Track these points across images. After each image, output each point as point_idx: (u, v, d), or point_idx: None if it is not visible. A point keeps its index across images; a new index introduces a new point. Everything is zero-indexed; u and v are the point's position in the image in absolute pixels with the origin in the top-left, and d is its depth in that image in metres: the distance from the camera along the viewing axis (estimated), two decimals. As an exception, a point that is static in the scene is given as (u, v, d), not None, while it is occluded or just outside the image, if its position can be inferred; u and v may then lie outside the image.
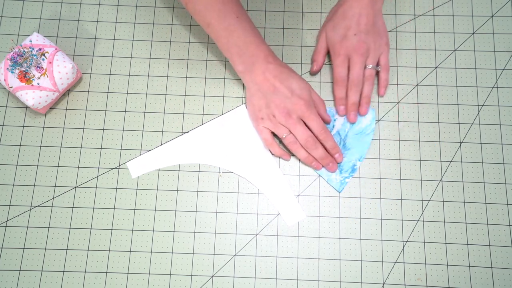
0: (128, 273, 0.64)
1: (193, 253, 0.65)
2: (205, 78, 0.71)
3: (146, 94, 0.70)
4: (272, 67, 0.63)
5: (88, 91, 0.70)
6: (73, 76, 0.67)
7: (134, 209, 0.66)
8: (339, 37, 0.66)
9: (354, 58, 0.66)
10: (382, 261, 0.64)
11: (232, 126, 0.69)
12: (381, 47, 0.67)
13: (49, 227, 0.65)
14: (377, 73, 0.69)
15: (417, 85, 0.71)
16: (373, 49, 0.66)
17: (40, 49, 0.66)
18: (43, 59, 0.65)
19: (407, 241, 0.65)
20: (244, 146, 0.68)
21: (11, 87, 0.65)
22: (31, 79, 0.65)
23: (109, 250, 0.65)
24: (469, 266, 0.64)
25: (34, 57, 0.65)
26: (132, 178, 0.67)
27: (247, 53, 0.63)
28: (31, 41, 0.66)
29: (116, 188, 0.67)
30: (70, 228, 0.65)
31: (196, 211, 0.66)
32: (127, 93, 0.70)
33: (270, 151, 0.67)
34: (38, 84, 0.65)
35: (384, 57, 0.68)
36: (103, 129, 0.69)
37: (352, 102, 0.67)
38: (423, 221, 0.66)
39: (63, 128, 0.69)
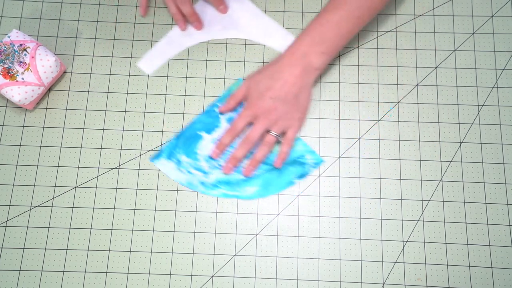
0: (128, 273, 0.64)
1: (193, 253, 0.65)
2: (205, 78, 0.71)
3: (146, 94, 0.70)
4: None
5: (88, 91, 0.70)
6: (57, 69, 0.67)
7: (134, 209, 0.66)
8: (257, 93, 0.64)
9: (260, 119, 0.63)
10: (382, 261, 0.64)
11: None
12: (293, 120, 0.65)
13: (49, 227, 0.65)
14: (280, 142, 0.66)
15: (417, 85, 0.71)
16: (282, 119, 0.64)
17: (21, 44, 0.66)
18: (25, 54, 0.65)
19: (407, 241, 0.65)
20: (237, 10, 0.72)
21: (-3, 85, 0.65)
22: (15, 75, 0.64)
23: (109, 250, 0.65)
24: (469, 266, 0.64)
25: (16, 53, 0.65)
26: (148, 74, 0.70)
27: None
28: (9, 37, 0.66)
29: (116, 188, 0.67)
30: (70, 228, 0.65)
31: (196, 211, 0.66)
32: (127, 93, 0.70)
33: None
34: (23, 79, 0.65)
35: (292, 131, 0.65)
36: (103, 129, 0.69)
37: (236, 156, 0.65)
38: (423, 221, 0.66)
39: (63, 128, 0.69)
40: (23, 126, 0.69)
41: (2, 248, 0.65)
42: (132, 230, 0.65)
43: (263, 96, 0.64)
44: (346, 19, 0.63)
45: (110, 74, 0.71)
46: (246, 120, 0.65)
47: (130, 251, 0.65)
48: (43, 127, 0.69)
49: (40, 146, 0.68)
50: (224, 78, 0.71)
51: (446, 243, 0.65)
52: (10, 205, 0.66)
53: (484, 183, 0.67)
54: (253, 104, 0.64)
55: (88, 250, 0.65)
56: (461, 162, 0.68)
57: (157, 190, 0.67)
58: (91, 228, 0.65)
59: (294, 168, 0.67)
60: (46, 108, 0.70)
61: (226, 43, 0.72)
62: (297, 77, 0.63)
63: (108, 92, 0.70)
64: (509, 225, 0.65)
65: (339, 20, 0.63)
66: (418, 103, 0.70)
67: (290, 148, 0.66)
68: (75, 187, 0.67)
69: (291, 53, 0.64)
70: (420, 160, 0.68)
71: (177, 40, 0.72)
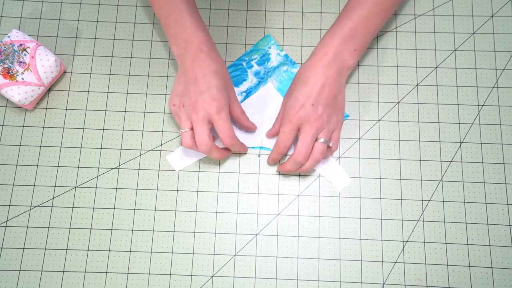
0: (128, 273, 0.64)
1: (193, 253, 0.65)
2: (205, 78, 0.71)
3: (146, 94, 0.70)
4: (202, 57, 0.59)
5: (88, 91, 0.70)
6: (57, 69, 0.67)
7: (134, 209, 0.66)
8: (296, 103, 0.61)
9: (307, 129, 0.60)
10: (382, 261, 0.64)
11: (261, 104, 0.70)
12: (337, 123, 0.63)
13: (49, 227, 0.65)
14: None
15: (417, 85, 0.71)
16: (328, 123, 0.61)
17: (21, 44, 0.66)
18: (25, 54, 0.65)
19: (407, 241, 0.65)
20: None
21: (-3, 85, 0.65)
22: (15, 75, 0.64)
23: (109, 250, 0.65)
24: (469, 266, 0.64)
25: (16, 53, 0.65)
26: (176, 171, 0.67)
27: (182, 37, 0.60)
28: (9, 37, 0.66)
29: (116, 188, 0.67)
30: (70, 228, 0.65)
31: (196, 211, 0.66)
32: (127, 93, 0.70)
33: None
34: (23, 79, 0.65)
35: (337, 133, 0.63)
36: (103, 129, 0.69)
37: (288, 170, 0.64)
38: (423, 221, 0.66)
39: (63, 128, 0.69)
40: (23, 126, 0.69)
41: (2, 248, 0.65)
42: (132, 230, 0.65)
43: (304, 105, 0.60)
44: (375, 13, 0.61)
45: (110, 74, 0.71)
46: (292, 134, 0.62)
47: (130, 251, 0.65)
48: (43, 127, 0.69)
49: (40, 146, 0.68)
50: (224, 78, 0.71)
51: (446, 243, 0.65)
52: (10, 205, 0.66)
53: (484, 183, 0.67)
54: (295, 115, 0.61)
55: (88, 250, 0.65)
56: (461, 162, 0.68)
57: (157, 190, 0.67)
58: (91, 228, 0.65)
59: None
60: (46, 108, 0.70)
61: (226, 43, 0.72)
62: (334, 78, 0.61)
63: (108, 92, 0.70)
64: (509, 225, 0.65)
65: (368, 15, 0.61)
66: (418, 103, 0.70)
67: (337, 149, 0.65)
68: (75, 187, 0.67)
69: (323, 53, 0.61)
70: (420, 160, 0.68)
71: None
